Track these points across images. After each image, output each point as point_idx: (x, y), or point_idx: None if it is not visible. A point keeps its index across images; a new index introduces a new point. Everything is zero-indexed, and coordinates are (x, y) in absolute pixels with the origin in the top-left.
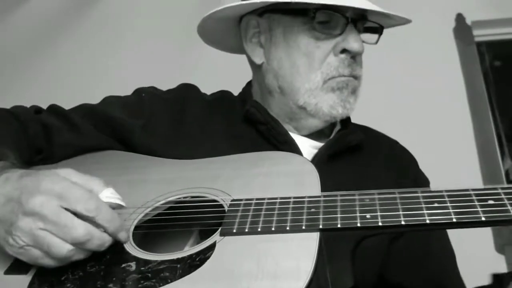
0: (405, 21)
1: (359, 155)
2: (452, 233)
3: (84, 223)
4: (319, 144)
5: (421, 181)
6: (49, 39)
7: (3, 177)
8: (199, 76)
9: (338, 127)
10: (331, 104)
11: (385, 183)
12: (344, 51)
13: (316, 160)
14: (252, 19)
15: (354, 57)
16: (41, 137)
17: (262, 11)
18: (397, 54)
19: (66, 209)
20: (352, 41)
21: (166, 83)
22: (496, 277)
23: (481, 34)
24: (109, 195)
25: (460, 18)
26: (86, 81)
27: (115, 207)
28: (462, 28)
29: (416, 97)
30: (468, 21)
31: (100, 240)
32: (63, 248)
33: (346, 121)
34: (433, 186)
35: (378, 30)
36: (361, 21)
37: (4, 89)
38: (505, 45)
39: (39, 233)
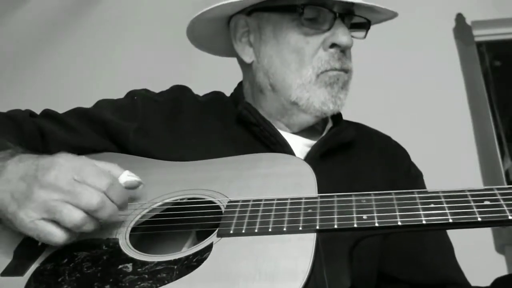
0: (392, 15)
1: (351, 152)
2: (452, 234)
3: (98, 191)
4: (312, 142)
5: (414, 174)
6: (49, 39)
7: (17, 158)
8: (195, 76)
9: (330, 125)
10: (322, 100)
11: (378, 178)
12: (333, 45)
13: (309, 159)
14: (241, 19)
15: (344, 51)
16: (37, 138)
17: (250, 10)
18: (397, 54)
19: (80, 182)
20: (341, 34)
21: (164, 84)
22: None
23: (481, 34)
24: (129, 173)
25: (460, 18)
26: (85, 82)
27: (136, 185)
28: (462, 28)
29: (416, 97)
30: (468, 21)
31: (111, 209)
32: (75, 215)
33: (338, 118)
34: (434, 186)
35: (365, 25)
36: (349, 16)
37: (4, 89)
38: (505, 45)
39: (53, 203)
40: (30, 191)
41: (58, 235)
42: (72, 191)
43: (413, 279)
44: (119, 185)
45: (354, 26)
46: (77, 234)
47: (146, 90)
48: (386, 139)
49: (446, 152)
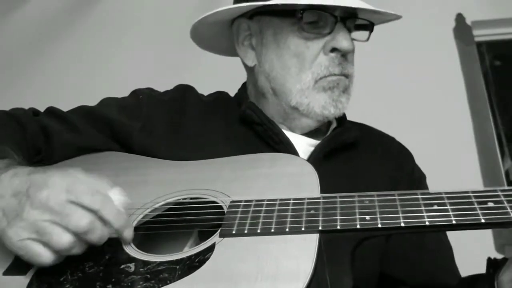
0: (396, 17)
1: (355, 152)
2: (452, 233)
3: (88, 213)
4: (315, 142)
5: (417, 175)
6: (49, 39)
7: (11, 172)
8: (197, 76)
9: (334, 125)
10: (323, 104)
11: (381, 179)
12: (334, 50)
13: (312, 159)
14: (243, 22)
15: (345, 55)
16: (40, 138)
17: (252, 14)
18: (397, 54)
19: (73, 202)
20: (341, 39)
21: (165, 84)
22: (491, 261)
23: (481, 34)
24: (116, 193)
25: (460, 18)
26: (86, 82)
27: (125, 206)
28: (462, 28)
29: (416, 97)
30: (468, 21)
31: (101, 231)
32: (64, 239)
33: (342, 119)
34: (433, 186)
35: (369, 27)
36: (351, 19)
37: (4, 89)
38: (505, 45)
39: (42, 224)
40: (21, 209)
41: (45, 256)
42: (62, 212)
43: (411, 282)
44: (113, 204)
45: (358, 27)
46: (65, 256)
47: (151, 89)
48: (390, 140)
49: (446, 152)
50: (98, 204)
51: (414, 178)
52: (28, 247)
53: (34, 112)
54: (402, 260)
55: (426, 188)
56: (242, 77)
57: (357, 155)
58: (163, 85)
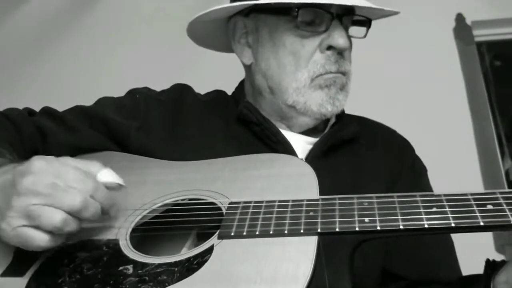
0: (394, 12)
1: (355, 147)
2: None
3: (79, 191)
4: (314, 140)
5: (418, 168)
6: (49, 39)
7: (1, 171)
8: (195, 75)
9: (333, 120)
10: (319, 102)
11: (382, 172)
12: (330, 47)
13: (310, 157)
14: (239, 20)
15: (342, 53)
16: (37, 138)
17: (248, 12)
18: (397, 54)
19: (62, 185)
20: (337, 37)
21: (166, 83)
22: (489, 263)
23: (481, 34)
24: (107, 174)
25: (460, 18)
26: (85, 81)
27: (114, 186)
28: (462, 28)
29: (416, 97)
30: (468, 21)
31: (95, 208)
32: (56, 217)
33: (340, 114)
34: (434, 186)
35: (366, 23)
36: (348, 15)
37: (4, 89)
38: (505, 45)
39: (32, 208)
40: (9, 200)
41: (39, 238)
42: (52, 193)
43: (410, 276)
44: (104, 188)
45: (356, 23)
46: (63, 236)
47: (147, 89)
48: (391, 133)
49: (446, 152)
50: (90, 190)
51: (415, 170)
52: (21, 234)
53: (29, 112)
54: (400, 255)
55: (427, 180)
56: (240, 75)
57: (357, 150)
58: (162, 85)
